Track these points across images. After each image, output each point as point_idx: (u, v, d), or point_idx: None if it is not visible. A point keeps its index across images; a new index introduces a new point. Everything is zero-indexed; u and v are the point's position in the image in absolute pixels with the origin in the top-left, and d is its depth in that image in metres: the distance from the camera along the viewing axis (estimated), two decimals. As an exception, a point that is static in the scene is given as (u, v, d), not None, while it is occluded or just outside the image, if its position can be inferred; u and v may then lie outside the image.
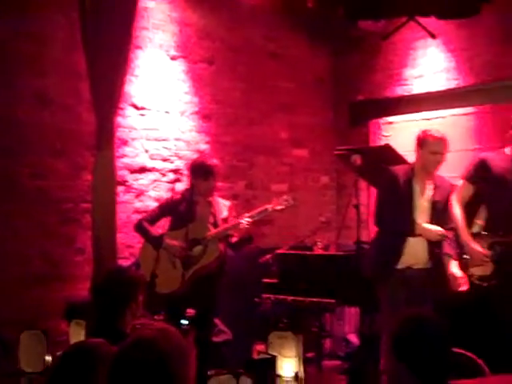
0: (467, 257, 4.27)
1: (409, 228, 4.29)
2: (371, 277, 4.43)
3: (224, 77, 6.47)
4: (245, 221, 4.69)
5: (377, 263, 4.44)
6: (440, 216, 4.32)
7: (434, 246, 4.31)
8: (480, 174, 4.28)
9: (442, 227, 4.27)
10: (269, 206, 4.79)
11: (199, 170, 4.79)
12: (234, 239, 4.85)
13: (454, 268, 4.22)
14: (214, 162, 4.92)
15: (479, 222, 4.34)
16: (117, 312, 2.97)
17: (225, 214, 4.89)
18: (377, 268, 4.42)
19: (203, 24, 6.32)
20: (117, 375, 1.81)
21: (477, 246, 4.23)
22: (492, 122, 6.04)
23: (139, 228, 4.92)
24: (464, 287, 4.19)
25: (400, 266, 4.35)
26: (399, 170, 4.44)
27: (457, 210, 4.32)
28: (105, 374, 1.87)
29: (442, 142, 4.24)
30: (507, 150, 4.28)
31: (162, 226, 4.97)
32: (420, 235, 4.28)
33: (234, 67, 6.54)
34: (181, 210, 4.79)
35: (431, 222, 4.29)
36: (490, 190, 4.26)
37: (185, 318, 4.91)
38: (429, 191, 4.33)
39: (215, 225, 4.79)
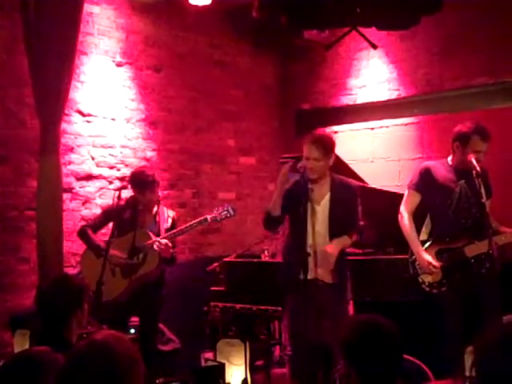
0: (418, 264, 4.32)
1: (302, 240, 4.09)
2: (280, 285, 4.30)
3: (171, 84, 6.44)
4: (163, 241, 4.56)
5: (282, 272, 4.33)
6: (340, 222, 4.18)
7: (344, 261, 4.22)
8: (425, 183, 4.35)
9: (344, 234, 4.17)
10: (208, 217, 4.72)
11: (136, 184, 4.69)
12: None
13: (338, 242, 4.13)
14: (152, 175, 4.68)
15: (426, 230, 4.40)
16: (62, 320, 2.91)
17: (168, 224, 4.83)
18: (282, 276, 4.31)
19: (149, 31, 6.28)
20: (70, 377, 1.79)
21: (426, 255, 4.27)
22: (433, 131, 6.18)
23: (82, 235, 4.83)
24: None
25: (306, 276, 4.10)
26: None
27: (405, 220, 4.37)
28: (50, 382, 1.83)
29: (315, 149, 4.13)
30: (449, 160, 4.40)
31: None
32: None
33: (181, 75, 6.51)
34: (125, 217, 4.72)
35: (330, 231, 4.16)
36: (434, 198, 4.33)
37: (130, 327, 4.87)
38: (326, 198, 4.21)
39: (158, 235, 4.72)
